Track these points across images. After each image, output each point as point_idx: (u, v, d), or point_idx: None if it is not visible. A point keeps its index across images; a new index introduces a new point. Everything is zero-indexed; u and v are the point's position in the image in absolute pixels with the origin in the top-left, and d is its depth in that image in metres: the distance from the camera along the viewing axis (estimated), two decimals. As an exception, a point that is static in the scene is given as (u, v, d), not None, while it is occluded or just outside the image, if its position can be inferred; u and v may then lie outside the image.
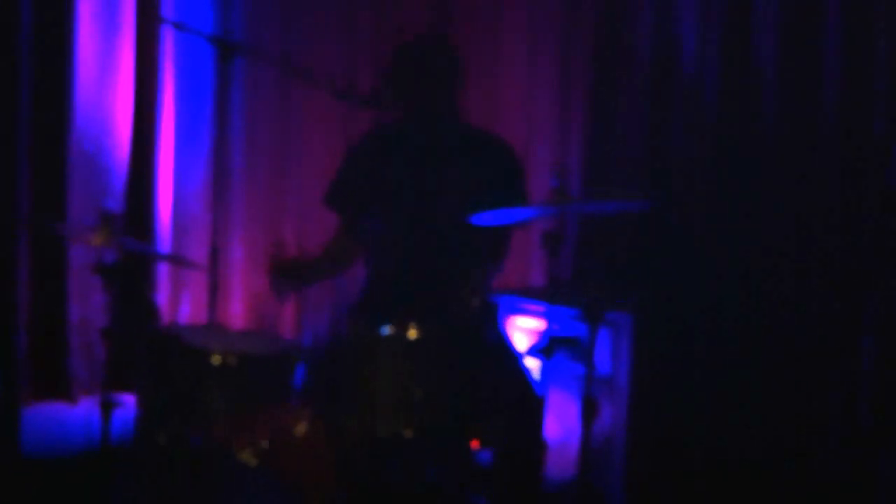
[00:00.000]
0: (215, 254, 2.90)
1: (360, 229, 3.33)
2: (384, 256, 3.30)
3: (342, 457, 2.70)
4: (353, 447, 2.71)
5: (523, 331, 3.73)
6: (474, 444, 2.81)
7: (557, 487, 3.37)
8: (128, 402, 2.98)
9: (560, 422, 3.51)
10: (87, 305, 3.79)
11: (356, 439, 2.71)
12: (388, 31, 4.27)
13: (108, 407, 2.88)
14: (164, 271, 3.98)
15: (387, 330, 2.74)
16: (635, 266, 4.08)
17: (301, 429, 2.72)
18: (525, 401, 2.99)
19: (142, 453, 2.79)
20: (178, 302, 4.01)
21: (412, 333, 2.72)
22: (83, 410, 3.73)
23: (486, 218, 2.92)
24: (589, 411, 2.83)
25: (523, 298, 3.79)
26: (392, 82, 3.17)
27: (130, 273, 2.97)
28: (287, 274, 3.11)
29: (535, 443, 2.99)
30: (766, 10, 3.80)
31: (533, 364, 3.08)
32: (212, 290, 3.05)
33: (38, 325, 3.72)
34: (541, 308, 3.69)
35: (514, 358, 3.12)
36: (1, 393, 3.49)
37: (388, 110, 3.11)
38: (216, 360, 2.73)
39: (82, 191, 3.79)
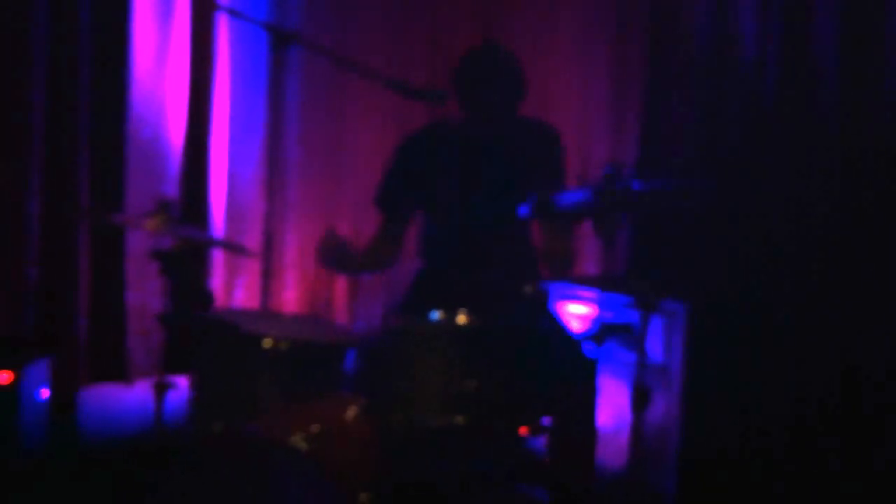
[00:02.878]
0: (269, 240, 2.92)
1: (406, 228, 3.35)
2: (439, 249, 3.32)
3: (390, 446, 2.70)
4: (402, 436, 2.71)
5: (574, 317, 3.71)
6: (523, 432, 2.81)
7: (609, 476, 3.35)
8: (182, 383, 3.02)
9: (611, 410, 3.49)
10: (144, 290, 3.83)
11: (405, 428, 2.71)
12: (441, 26, 4.28)
13: (162, 388, 2.93)
14: (218, 257, 4.02)
15: (436, 315, 2.74)
16: (689, 257, 4.05)
17: (351, 415, 2.72)
18: (580, 389, 2.98)
19: (195, 439, 2.82)
20: (233, 287, 4.05)
21: (462, 319, 2.72)
22: (139, 392, 3.79)
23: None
24: (640, 399, 2.81)
25: (575, 285, 3.78)
26: (456, 87, 3.19)
27: (186, 259, 3.01)
28: (336, 251, 3.14)
29: (588, 430, 2.98)
30: (828, 1, 3.75)
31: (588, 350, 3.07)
32: (265, 277, 3.07)
33: (97, 309, 3.78)
34: (593, 295, 3.67)
35: (571, 344, 3.10)
36: (61, 374, 3.56)
37: (441, 104, 3.12)
38: (268, 344, 2.75)
39: (139, 177, 3.83)
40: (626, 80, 4.45)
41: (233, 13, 3.51)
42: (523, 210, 2.90)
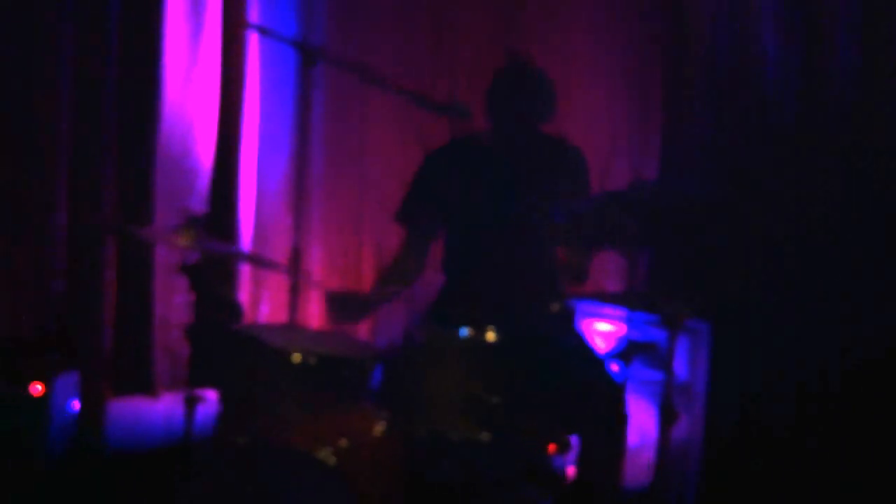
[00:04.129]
0: (297, 255, 2.93)
1: (430, 243, 3.37)
2: (462, 265, 3.33)
3: (415, 460, 2.71)
4: (426, 449, 2.72)
5: (599, 335, 3.72)
6: (551, 449, 2.81)
7: (631, 494, 3.35)
8: (210, 397, 3.03)
9: (635, 428, 3.49)
10: (171, 304, 3.85)
11: (429, 441, 2.72)
12: (462, 42, 4.30)
13: (191, 402, 2.94)
14: (244, 272, 4.04)
15: (465, 332, 2.75)
16: (713, 274, 4.05)
17: (378, 430, 2.73)
18: (607, 407, 2.99)
19: (220, 451, 2.83)
20: (258, 302, 4.07)
21: (490, 336, 2.74)
22: (165, 405, 3.80)
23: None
24: (667, 418, 2.82)
25: (600, 303, 3.78)
26: (490, 101, 3.21)
27: (214, 273, 3.03)
28: (344, 306, 3.17)
29: (616, 449, 2.99)
30: (849, 15, 3.75)
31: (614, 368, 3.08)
32: (292, 291, 3.09)
33: (124, 322, 3.80)
34: (618, 313, 3.68)
35: (596, 362, 3.11)
36: (86, 387, 3.59)
37: (465, 118, 3.13)
38: (296, 359, 2.77)
39: (168, 192, 3.84)
40: (647, 93, 4.47)
41: (262, 31, 3.54)
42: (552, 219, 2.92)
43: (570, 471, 3.00)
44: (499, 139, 3.26)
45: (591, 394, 2.98)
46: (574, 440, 2.88)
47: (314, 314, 4.10)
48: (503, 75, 3.25)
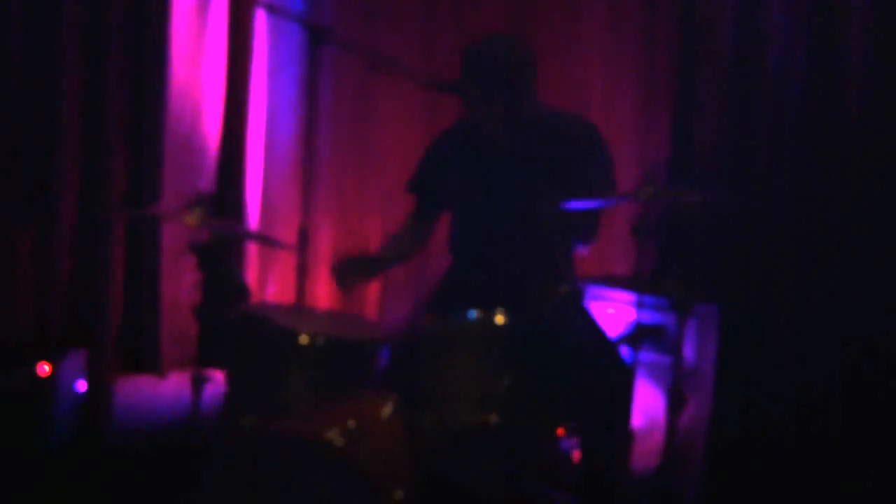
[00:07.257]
0: (304, 235, 2.93)
1: (435, 219, 3.36)
2: (468, 247, 3.32)
3: (422, 445, 2.71)
4: (433, 435, 2.72)
5: (607, 319, 3.71)
6: (559, 433, 2.81)
7: (638, 477, 3.35)
8: (217, 377, 3.03)
9: (642, 412, 3.48)
10: (179, 284, 3.84)
11: (437, 427, 2.71)
12: (467, 26, 4.28)
13: (198, 382, 2.95)
14: (251, 252, 4.03)
15: (474, 314, 2.74)
16: (721, 259, 4.05)
17: (385, 412, 2.73)
18: (615, 390, 2.98)
19: (228, 433, 2.83)
20: (265, 282, 4.06)
21: (499, 319, 2.73)
22: (172, 385, 3.80)
23: (576, 202, 2.93)
24: (676, 403, 2.81)
25: (609, 287, 3.77)
26: (463, 82, 3.17)
27: (222, 252, 3.02)
28: (351, 268, 3.15)
29: (623, 432, 2.98)
30: (856, 5, 3.74)
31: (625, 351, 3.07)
32: (300, 272, 3.08)
33: (131, 302, 3.79)
34: (626, 297, 3.67)
35: (605, 345, 3.10)
36: (94, 366, 3.59)
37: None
38: (303, 340, 2.76)
39: (176, 171, 3.83)
40: (653, 82, 4.46)
41: (270, 9, 3.51)
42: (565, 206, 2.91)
43: (576, 455, 3.00)
44: (505, 120, 3.22)
45: (600, 378, 2.97)
46: (581, 424, 2.87)
47: (322, 295, 4.10)
48: (474, 42, 3.19)
